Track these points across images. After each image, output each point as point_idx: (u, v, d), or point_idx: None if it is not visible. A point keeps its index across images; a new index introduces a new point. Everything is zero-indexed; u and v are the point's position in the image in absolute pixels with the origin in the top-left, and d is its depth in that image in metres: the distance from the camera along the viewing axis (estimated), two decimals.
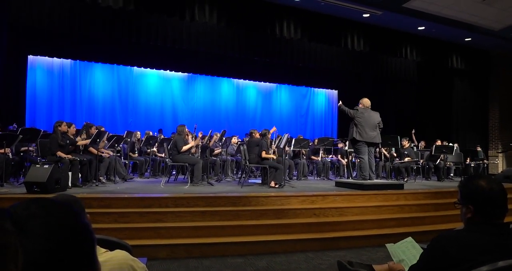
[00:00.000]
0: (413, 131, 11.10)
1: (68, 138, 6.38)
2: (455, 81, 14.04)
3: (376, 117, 7.05)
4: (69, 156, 6.14)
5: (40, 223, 0.55)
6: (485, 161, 12.14)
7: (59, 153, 6.09)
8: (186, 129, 7.28)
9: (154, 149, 9.04)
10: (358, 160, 7.23)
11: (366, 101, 7.16)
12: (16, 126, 8.12)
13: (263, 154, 7.00)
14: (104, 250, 1.38)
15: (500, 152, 13.34)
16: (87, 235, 0.61)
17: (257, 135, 7.25)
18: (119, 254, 1.37)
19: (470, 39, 12.23)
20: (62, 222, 0.57)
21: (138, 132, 9.39)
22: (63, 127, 6.30)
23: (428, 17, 10.55)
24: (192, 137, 7.52)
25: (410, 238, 2.10)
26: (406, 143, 9.62)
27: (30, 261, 0.51)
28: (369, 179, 6.88)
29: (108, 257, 1.33)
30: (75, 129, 6.71)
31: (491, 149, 13.79)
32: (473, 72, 13.56)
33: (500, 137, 13.67)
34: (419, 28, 11.38)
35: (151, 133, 9.61)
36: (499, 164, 13.34)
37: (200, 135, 8.73)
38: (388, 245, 2.10)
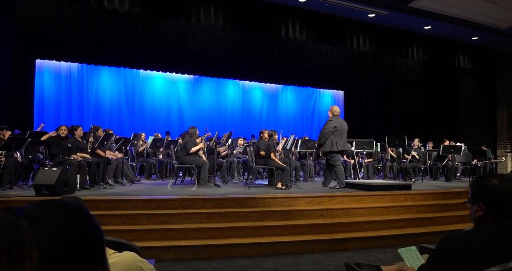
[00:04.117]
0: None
1: (69, 141, 6.42)
2: (462, 80, 13.94)
3: (346, 124, 7.24)
4: (76, 158, 6.20)
5: (53, 222, 0.56)
6: (492, 160, 12.02)
7: (61, 155, 6.15)
8: (197, 132, 7.32)
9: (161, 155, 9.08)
10: (335, 169, 7.01)
11: (336, 109, 7.39)
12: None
13: (271, 155, 7.02)
14: (113, 251, 1.39)
15: (509, 152, 13.21)
16: (97, 235, 0.62)
17: (266, 135, 7.26)
18: (128, 256, 1.38)
19: (476, 38, 12.15)
20: (73, 222, 0.59)
21: (143, 134, 9.38)
22: (63, 131, 6.37)
23: (434, 17, 10.49)
24: (202, 140, 7.56)
25: (414, 248, 2.08)
26: (417, 143, 9.58)
27: (43, 258, 0.52)
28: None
29: (117, 259, 1.34)
30: (82, 131, 6.76)
31: (499, 148, 13.67)
32: (480, 71, 13.45)
33: (508, 136, 13.54)
34: (425, 27, 11.32)
35: (159, 135, 9.65)
36: (508, 164, 13.21)
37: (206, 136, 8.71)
38: (400, 250, 2.08)
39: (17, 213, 0.54)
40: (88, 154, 6.65)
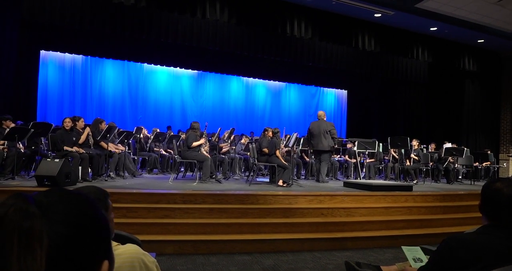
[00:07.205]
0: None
1: (74, 133, 6.42)
2: (467, 83, 13.88)
3: (323, 126, 7.67)
4: (79, 150, 6.20)
5: (62, 210, 0.56)
6: (486, 164, 11.93)
7: (65, 147, 6.16)
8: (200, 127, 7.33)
9: (162, 149, 9.07)
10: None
11: (318, 114, 8.02)
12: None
13: (277, 153, 7.03)
14: (116, 243, 1.40)
15: (511, 156, 13.18)
16: (105, 226, 0.62)
17: (270, 134, 7.26)
18: (131, 248, 1.39)
19: (482, 40, 12.10)
20: (82, 211, 0.59)
21: (144, 129, 9.38)
22: (67, 124, 6.37)
23: (440, 18, 10.44)
24: (203, 136, 7.55)
25: (418, 248, 2.08)
26: (416, 144, 9.55)
27: (51, 245, 0.52)
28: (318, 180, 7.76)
29: (120, 251, 1.35)
30: (83, 123, 6.77)
31: (501, 152, 13.64)
32: (485, 74, 13.41)
33: (511, 140, 13.50)
34: (431, 28, 11.27)
35: (158, 130, 9.66)
36: (509, 168, 13.19)
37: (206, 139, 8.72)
38: (403, 247, 2.08)
39: (27, 199, 0.54)
40: (90, 146, 6.65)
